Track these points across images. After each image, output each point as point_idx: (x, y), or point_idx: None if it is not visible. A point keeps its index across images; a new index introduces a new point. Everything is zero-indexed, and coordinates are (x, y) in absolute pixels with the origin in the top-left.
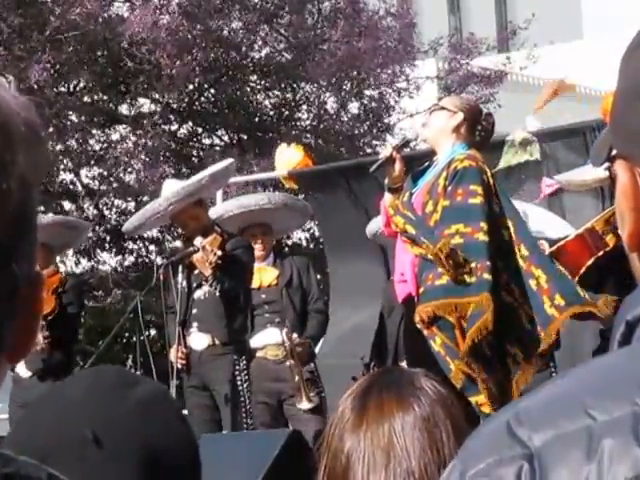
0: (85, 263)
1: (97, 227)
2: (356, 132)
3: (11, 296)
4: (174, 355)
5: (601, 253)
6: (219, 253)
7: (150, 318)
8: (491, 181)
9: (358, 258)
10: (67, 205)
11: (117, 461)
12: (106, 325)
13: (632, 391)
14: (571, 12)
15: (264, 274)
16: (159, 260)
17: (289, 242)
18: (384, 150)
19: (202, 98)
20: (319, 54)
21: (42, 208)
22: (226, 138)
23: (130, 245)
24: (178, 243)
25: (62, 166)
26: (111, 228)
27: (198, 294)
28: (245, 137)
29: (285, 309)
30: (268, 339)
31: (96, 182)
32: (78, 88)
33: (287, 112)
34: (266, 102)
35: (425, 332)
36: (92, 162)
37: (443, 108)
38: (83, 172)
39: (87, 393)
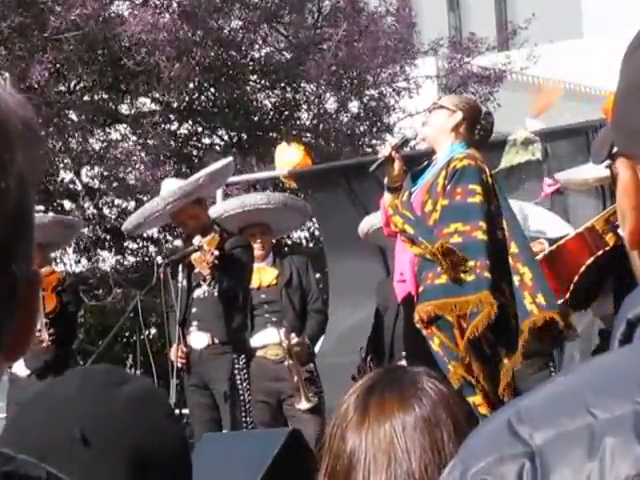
0: (85, 262)
1: (97, 226)
2: (356, 132)
3: (10, 296)
4: (174, 354)
5: (601, 252)
6: (216, 253)
7: (150, 317)
8: (490, 180)
9: (357, 257)
10: (67, 204)
11: (106, 460)
12: (106, 324)
13: (633, 389)
14: (571, 12)
15: (264, 274)
16: (159, 259)
17: (288, 241)
18: (383, 149)
19: (202, 97)
20: (319, 54)
21: (42, 207)
22: (226, 138)
23: (130, 244)
24: (178, 242)
25: (62, 165)
26: (111, 227)
27: (197, 293)
28: (245, 137)
29: (284, 309)
30: (268, 339)
31: (96, 181)
32: (78, 87)
33: (287, 112)
34: (266, 102)
35: (424, 332)
36: (92, 161)
37: (442, 107)
38: (83, 171)
39: (77, 392)
